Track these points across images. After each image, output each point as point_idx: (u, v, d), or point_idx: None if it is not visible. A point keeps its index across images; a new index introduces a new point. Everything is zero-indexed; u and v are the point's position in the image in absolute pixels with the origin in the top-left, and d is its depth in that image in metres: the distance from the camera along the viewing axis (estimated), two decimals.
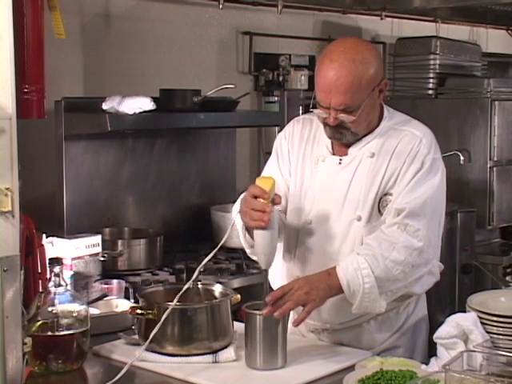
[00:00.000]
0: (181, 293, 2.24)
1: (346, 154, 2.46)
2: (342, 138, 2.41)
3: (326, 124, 2.39)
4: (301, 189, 2.50)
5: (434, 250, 2.45)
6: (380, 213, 2.40)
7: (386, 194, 2.40)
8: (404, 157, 2.39)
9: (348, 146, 2.45)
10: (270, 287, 2.42)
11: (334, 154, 2.47)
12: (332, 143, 2.48)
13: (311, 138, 2.53)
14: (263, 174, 2.57)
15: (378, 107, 2.44)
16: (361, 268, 2.29)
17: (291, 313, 2.40)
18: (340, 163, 2.45)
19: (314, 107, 2.39)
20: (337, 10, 4.89)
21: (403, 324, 2.52)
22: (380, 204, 2.41)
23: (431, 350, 2.21)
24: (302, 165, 2.52)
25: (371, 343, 2.48)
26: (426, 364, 2.18)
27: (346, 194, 2.42)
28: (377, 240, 2.35)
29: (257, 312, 2.21)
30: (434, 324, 2.26)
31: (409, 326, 2.54)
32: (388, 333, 2.50)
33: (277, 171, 2.55)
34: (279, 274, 2.55)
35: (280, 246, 2.53)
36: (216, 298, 2.42)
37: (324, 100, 2.31)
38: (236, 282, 3.35)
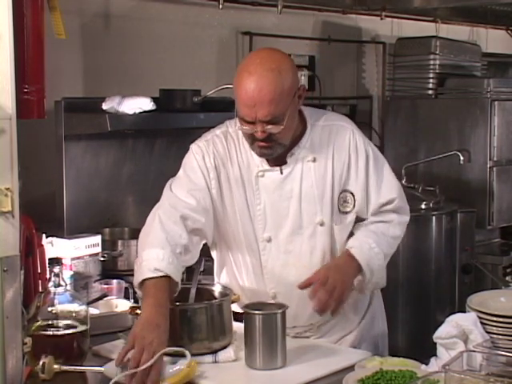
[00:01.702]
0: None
1: (284, 163, 2.41)
2: (273, 153, 2.34)
3: (253, 141, 2.32)
4: (248, 210, 2.43)
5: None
6: (340, 211, 2.44)
7: (343, 191, 2.44)
8: (346, 151, 2.43)
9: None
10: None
11: (271, 166, 2.41)
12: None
13: (239, 155, 2.44)
14: (177, 190, 2.45)
15: (298, 111, 2.42)
16: (371, 247, 2.41)
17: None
18: (281, 173, 2.41)
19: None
20: (337, 10, 4.89)
21: (370, 302, 2.62)
22: (339, 202, 2.44)
23: (431, 350, 2.21)
24: (240, 184, 2.43)
25: (350, 325, 2.54)
26: (426, 364, 2.18)
27: (299, 203, 2.41)
28: (371, 224, 2.48)
29: (256, 312, 2.21)
30: (434, 324, 2.26)
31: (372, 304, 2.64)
32: (362, 311, 2.58)
33: (203, 185, 2.42)
34: (252, 292, 2.50)
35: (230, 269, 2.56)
36: (216, 298, 2.42)
37: (249, 114, 2.25)
38: None
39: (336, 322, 2.54)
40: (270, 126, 2.26)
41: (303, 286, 2.31)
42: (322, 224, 2.42)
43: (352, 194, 2.45)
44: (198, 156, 2.47)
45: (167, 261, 2.22)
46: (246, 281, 2.53)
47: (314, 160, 2.41)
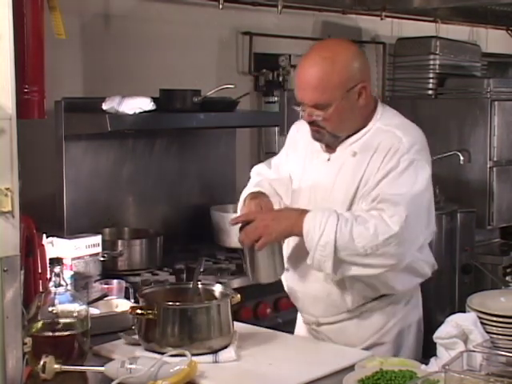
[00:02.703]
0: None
1: (333, 152, 2.51)
2: (322, 138, 2.46)
3: (307, 122, 2.44)
4: (300, 185, 2.56)
5: (410, 247, 2.36)
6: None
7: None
8: (383, 155, 2.39)
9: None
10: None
11: (327, 151, 2.52)
12: None
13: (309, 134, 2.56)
14: (274, 161, 2.73)
15: (364, 109, 2.43)
16: (328, 222, 2.30)
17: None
18: (329, 160, 2.50)
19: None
20: (337, 10, 4.89)
21: (387, 324, 2.53)
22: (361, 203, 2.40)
23: (431, 350, 2.21)
24: (304, 162, 2.58)
25: (355, 339, 2.50)
26: (426, 364, 2.18)
27: (331, 191, 2.47)
28: (354, 213, 2.36)
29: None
30: (434, 324, 2.27)
31: (395, 327, 2.54)
32: (371, 330, 2.52)
33: (284, 160, 2.67)
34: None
35: None
36: (216, 298, 2.42)
37: (299, 96, 2.40)
38: (236, 282, 3.35)
39: (343, 331, 2.52)
40: (316, 112, 2.37)
41: (234, 222, 2.47)
42: None
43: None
44: (291, 135, 2.71)
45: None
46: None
47: (354, 155, 2.45)
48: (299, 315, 2.69)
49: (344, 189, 2.44)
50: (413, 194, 2.33)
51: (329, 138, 2.45)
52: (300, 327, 2.70)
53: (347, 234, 2.29)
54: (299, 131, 2.63)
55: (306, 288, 2.52)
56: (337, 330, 2.53)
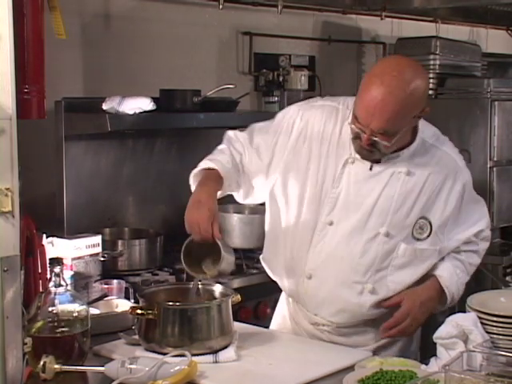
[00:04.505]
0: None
1: (377, 161, 2.41)
2: (370, 156, 2.37)
3: (356, 138, 2.34)
4: (322, 187, 2.44)
5: None
6: (413, 235, 2.41)
7: (422, 217, 2.40)
8: (443, 178, 2.41)
9: None
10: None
11: (364, 158, 2.41)
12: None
13: (336, 134, 2.45)
14: (257, 140, 2.54)
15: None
16: (459, 277, 2.49)
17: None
18: (371, 169, 2.41)
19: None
20: (337, 10, 4.89)
21: None
22: (415, 226, 2.40)
23: (431, 351, 2.21)
24: (324, 161, 2.44)
25: (363, 342, 2.51)
26: (426, 364, 2.18)
27: (374, 204, 2.39)
28: (461, 252, 2.53)
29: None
30: (434, 324, 2.26)
31: None
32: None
33: (269, 146, 2.51)
34: (282, 268, 2.54)
35: (276, 238, 2.55)
36: (216, 298, 2.42)
37: (364, 119, 2.26)
38: (236, 282, 3.35)
39: (353, 334, 2.52)
40: (377, 137, 2.27)
41: (387, 305, 2.43)
42: (386, 235, 2.39)
43: (430, 223, 2.41)
44: (291, 117, 2.50)
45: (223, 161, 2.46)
46: (288, 253, 2.51)
47: (408, 174, 2.39)
48: (288, 312, 2.65)
49: (390, 205, 2.39)
50: (484, 208, 2.60)
51: (378, 156, 2.38)
52: (279, 318, 2.70)
53: (467, 274, 2.57)
54: (304, 120, 2.48)
55: (336, 298, 2.44)
56: (352, 332, 2.52)
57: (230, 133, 2.61)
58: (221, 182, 2.45)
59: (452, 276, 2.47)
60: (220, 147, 2.58)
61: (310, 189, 2.45)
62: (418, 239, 2.41)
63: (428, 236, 2.41)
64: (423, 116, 2.35)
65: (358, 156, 2.40)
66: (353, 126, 2.31)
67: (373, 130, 2.25)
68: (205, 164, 2.49)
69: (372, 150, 2.32)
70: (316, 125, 2.46)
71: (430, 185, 2.40)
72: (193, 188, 2.50)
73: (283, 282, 2.57)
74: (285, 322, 2.67)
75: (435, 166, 2.41)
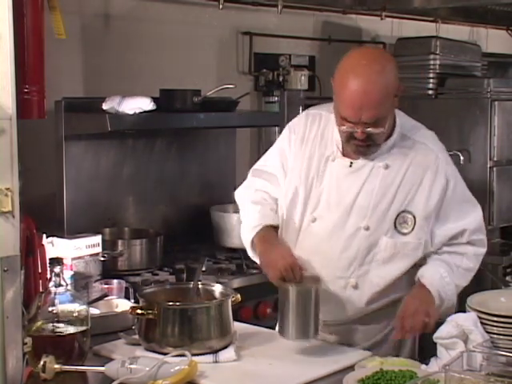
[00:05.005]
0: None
1: (356, 158, 2.43)
2: (368, 151, 2.39)
3: (349, 139, 2.35)
4: (305, 186, 2.48)
5: None
6: (396, 229, 2.41)
7: (404, 211, 2.41)
8: (422, 172, 2.40)
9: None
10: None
11: (344, 156, 2.45)
12: (342, 144, 2.44)
13: (319, 136, 2.50)
14: (264, 162, 2.64)
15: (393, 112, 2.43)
16: (443, 276, 2.41)
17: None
18: (350, 166, 2.43)
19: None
20: (337, 10, 4.89)
21: (390, 323, 2.52)
22: (397, 220, 2.41)
23: (431, 351, 2.21)
24: (308, 162, 2.49)
25: (359, 339, 2.51)
26: (426, 364, 2.18)
27: (354, 200, 2.42)
28: (445, 253, 2.46)
29: (289, 284, 2.26)
30: (435, 324, 2.27)
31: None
32: (376, 330, 2.54)
33: (278, 165, 2.56)
34: None
35: None
36: (216, 298, 2.42)
37: (353, 116, 2.28)
38: (236, 282, 3.35)
39: (348, 331, 2.53)
40: (370, 128, 2.29)
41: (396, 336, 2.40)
42: (367, 229, 2.41)
43: (414, 217, 2.41)
44: (286, 132, 2.60)
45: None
46: None
47: (386, 167, 2.41)
48: None
49: (370, 200, 2.40)
50: (474, 210, 2.52)
51: (374, 150, 2.40)
52: None
53: (458, 277, 2.47)
54: (295, 133, 2.54)
55: (321, 295, 2.43)
56: (341, 330, 2.52)
57: (241, 191, 2.69)
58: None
59: (434, 274, 2.42)
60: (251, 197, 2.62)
61: (298, 189, 2.49)
62: (402, 233, 2.42)
63: (412, 229, 2.41)
64: (399, 94, 2.37)
65: (339, 153, 2.45)
66: (343, 127, 2.33)
67: (365, 122, 2.28)
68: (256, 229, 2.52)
69: (368, 143, 2.35)
70: (301, 129, 2.53)
71: (410, 177, 2.41)
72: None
73: None
74: None
75: (414, 159, 2.42)
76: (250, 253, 2.54)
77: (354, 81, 2.26)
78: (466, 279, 2.50)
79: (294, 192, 2.50)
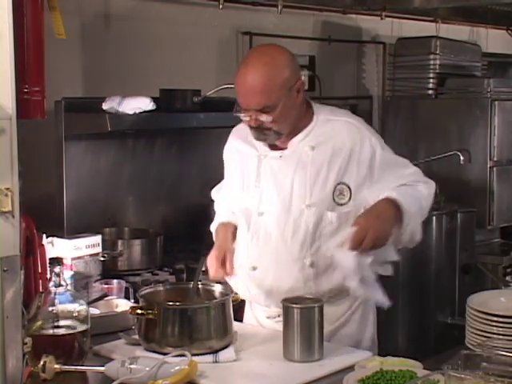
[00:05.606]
0: None
1: (282, 149, 2.58)
2: (266, 138, 2.54)
3: (250, 126, 2.52)
4: (248, 186, 2.63)
5: None
6: (335, 201, 2.53)
7: (340, 183, 2.53)
8: (349, 145, 2.53)
9: (287, 141, 2.57)
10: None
11: (273, 150, 2.59)
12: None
13: (248, 141, 2.64)
14: (223, 186, 2.86)
15: (301, 105, 2.55)
16: (407, 192, 2.52)
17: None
18: (281, 157, 2.57)
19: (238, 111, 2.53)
20: (337, 10, 4.89)
21: (353, 303, 2.61)
22: (334, 193, 2.53)
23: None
24: (243, 163, 2.66)
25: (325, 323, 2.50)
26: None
27: (292, 186, 2.54)
28: (397, 187, 2.54)
29: (294, 305, 2.27)
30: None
31: (360, 305, 2.63)
32: (340, 312, 2.59)
33: (228, 179, 2.79)
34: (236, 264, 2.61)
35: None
36: (216, 298, 2.42)
37: (243, 102, 2.47)
38: None
39: None
40: (262, 115, 2.45)
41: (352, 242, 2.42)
42: (309, 207, 2.52)
43: (349, 187, 2.53)
44: (226, 146, 2.82)
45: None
46: (236, 254, 2.61)
47: (313, 149, 2.54)
48: (251, 312, 2.73)
49: (306, 182, 2.52)
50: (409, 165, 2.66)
51: (273, 137, 2.53)
52: (250, 321, 2.73)
53: (417, 196, 2.55)
54: (230, 150, 2.75)
55: (282, 281, 2.54)
56: None
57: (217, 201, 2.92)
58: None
59: (399, 191, 2.51)
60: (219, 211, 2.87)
61: (242, 193, 2.66)
62: (341, 204, 2.53)
63: (349, 199, 2.53)
64: (302, 89, 2.51)
65: (267, 150, 2.59)
66: (241, 114, 2.50)
67: (254, 108, 2.45)
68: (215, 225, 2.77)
69: (264, 131, 2.51)
70: (234, 141, 2.74)
71: (338, 153, 2.53)
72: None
73: (237, 284, 2.62)
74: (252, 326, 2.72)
75: (339, 135, 2.55)
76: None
77: (243, 69, 2.47)
78: (425, 205, 2.58)
79: (240, 196, 2.67)
